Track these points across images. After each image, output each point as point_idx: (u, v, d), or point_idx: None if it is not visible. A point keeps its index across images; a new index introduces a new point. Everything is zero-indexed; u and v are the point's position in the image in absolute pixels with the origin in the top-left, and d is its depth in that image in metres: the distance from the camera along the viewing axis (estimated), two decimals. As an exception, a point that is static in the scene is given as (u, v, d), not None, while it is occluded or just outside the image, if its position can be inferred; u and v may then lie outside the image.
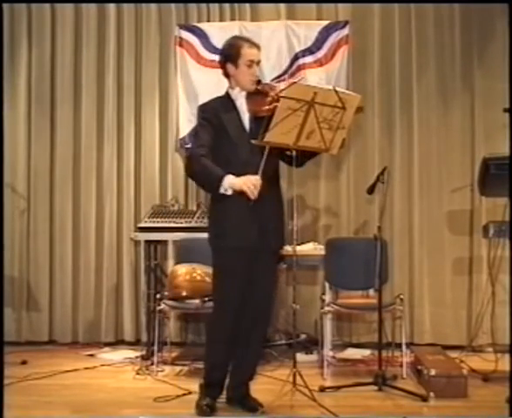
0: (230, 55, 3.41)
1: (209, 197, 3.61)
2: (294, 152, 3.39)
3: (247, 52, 3.37)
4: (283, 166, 5.24)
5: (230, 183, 3.22)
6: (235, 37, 3.59)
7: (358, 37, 5.23)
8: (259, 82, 3.43)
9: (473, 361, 4.35)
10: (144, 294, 5.04)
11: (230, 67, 3.41)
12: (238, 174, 3.27)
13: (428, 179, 5.21)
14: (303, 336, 4.98)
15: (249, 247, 3.35)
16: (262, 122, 3.27)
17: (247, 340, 3.48)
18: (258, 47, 3.45)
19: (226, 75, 3.46)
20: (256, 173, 3.20)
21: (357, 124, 5.05)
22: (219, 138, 3.34)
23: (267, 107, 3.31)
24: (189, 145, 5.20)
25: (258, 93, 3.40)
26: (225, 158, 3.36)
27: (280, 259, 3.98)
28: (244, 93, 3.42)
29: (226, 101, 3.44)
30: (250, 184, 3.17)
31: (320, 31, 5.19)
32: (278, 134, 3.21)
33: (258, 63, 3.43)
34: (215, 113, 3.38)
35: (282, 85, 3.43)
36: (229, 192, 3.23)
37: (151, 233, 4.79)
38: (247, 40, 3.48)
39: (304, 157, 3.47)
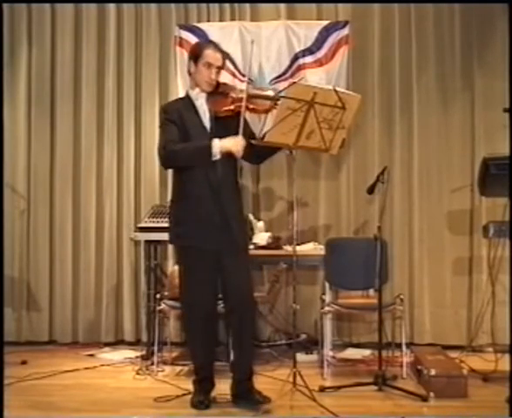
0: (193, 54, 3.53)
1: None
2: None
3: (208, 54, 3.46)
4: (283, 166, 5.28)
5: (219, 147, 3.33)
6: (207, 41, 3.74)
7: (358, 37, 5.22)
8: (218, 84, 3.50)
9: (473, 361, 4.34)
10: (144, 294, 5.04)
11: (191, 66, 3.51)
12: (200, 174, 3.39)
13: (428, 179, 5.21)
14: (303, 336, 4.98)
15: (213, 249, 3.40)
16: (223, 122, 3.38)
17: (238, 339, 3.55)
18: (223, 54, 3.53)
19: (189, 73, 3.56)
20: (216, 172, 3.37)
21: (357, 124, 5.05)
22: (182, 138, 3.41)
23: (228, 107, 3.38)
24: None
25: (218, 94, 3.48)
26: None
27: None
28: (204, 94, 3.49)
29: (187, 102, 3.54)
30: (237, 144, 3.30)
31: (320, 31, 5.18)
32: (278, 134, 3.22)
33: (218, 67, 3.48)
34: (178, 114, 3.46)
35: (243, 86, 3.50)
36: (218, 157, 3.33)
37: (151, 233, 4.79)
38: (214, 44, 3.58)
39: (264, 153, 3.53)
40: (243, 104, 3.33)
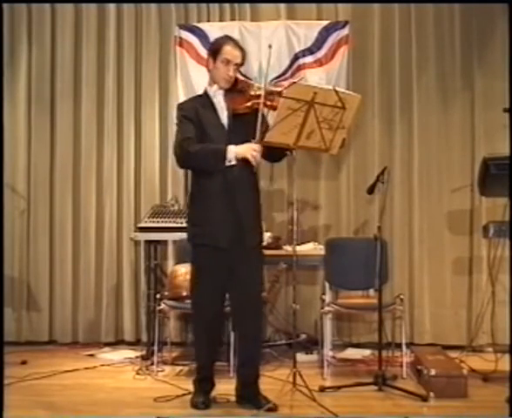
0: (212, 50, 3.51)
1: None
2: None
3: (227, 50, 3.44)
4: (283, 166, 5.28)
5: (235, 152, 3.30)
6: (224, 36, 3.64)
7: (358, 37, 5.22)
8: (236, 81, 3.48)
9: (473, 361, 4.34)
10: (144, 294, 5.04)
11: (210, 62, 3.50)
12: (216, 178, 3.37)
13: (428, 179, 5.21)
14: (303, 336, 4.98)
15: (226, 247, 3.38)
16: (241, 119, 3.36)
17: (245, 341, 3.54)
18: (242, 50, 3.50)
19: (207, 70, 3.55)
20: (233, 171, 3.33)
21: (357, 124, 5.05)
22: (198, 135, 3.40)
23: (246, 104, 3.36)
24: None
25: (236, 91, 3.46)
26: None
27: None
28: (221, 91, 3.47)
29: (204, 99, 3.51)
30: (252, 151, 3.27)
31: (320, 31, 5.18)
32: (278, 134, 3.22)
33: (236, 64, 3.47)
34: (194, 111, 3.44)
35: (257, 83, 3.50)
36: (233, 162, 3.31)
37: (151, 233, 4.79)
38: (233, 41, 3.54)
39: (279, 152, 3.50)
40: (261, 100, 3.31)
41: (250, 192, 3.49)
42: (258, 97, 3.35)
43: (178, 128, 3.50)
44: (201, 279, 3.49)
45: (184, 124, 3.44)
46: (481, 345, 4.90)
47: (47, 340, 5.40)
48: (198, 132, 3.40)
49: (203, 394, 3.53)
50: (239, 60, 3.47)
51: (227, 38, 3.56)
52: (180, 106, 3.56)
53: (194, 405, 3.49)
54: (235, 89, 3.48)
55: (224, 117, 3.46)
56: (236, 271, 3.44)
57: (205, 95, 3.53)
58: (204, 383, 3.56)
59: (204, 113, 3.44)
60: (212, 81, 3.51)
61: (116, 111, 5.46)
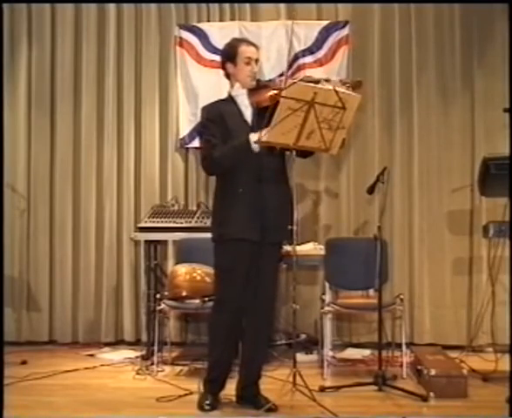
0: (228, 54, 3.52)
1: (209, 197, 3.61)
2: (294, 152, 3.43)
3: (244, 50, 3.48)
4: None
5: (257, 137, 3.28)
6: (233, 39, 3.70)
7: (358, 37, 5.23)
8: (258, 81, 3.51)
9: (473, 361, 4.34)
10: (144, 294, 5.04)
11: (229, 66, 3.51)
12: (241, 171, 3.37)
13: (428, 179, 5.22)
14: (303, 336, 4.98)
15: (250, 241, 3.37)
16: (264, 115, 3.29)
17: (253, 340, 3.52)
18: (255, 46, 3.55)
19: (227, 75, 3.56)
20: (258, 171, 3.36)
21: (357, 124, 5.05)
22: (223, 136, 3.40)
23: (269, 95, 3.35)
24: (194, 144, 5.24)
25: (259, 88, 3.47)
26: None
27: (280, 258, 3.93)
28: (244, 90, 3.49)
29: (228, 101, 3.52)
30: None
31: (320, 31, 5.20)
32: (278, 134, 3.21)
33: (256, 61, 3.51)
34: (218, 113, 3.45)
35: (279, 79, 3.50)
36: (257, 150, 3.29)
37: (151, 233, 4.79)
38: (245, 40, 3.64)
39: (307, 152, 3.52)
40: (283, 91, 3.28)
41: (279, 186, 3.47)
42: (280, 89, 3.29)
43: (202, 133, 3.54)
44: (226, 275, 3.43)
45: (208, 129, 3.45)
46: (481, 345, 4.90)
47: (47, 340, 5.40)
48: (222, 131, 3.40)
49: (211, 396, 3.49)
50: (257, 55, 3.52)
51: (237, 40, 3.63)
52: (205, 109, 3.54)
53: (200, 406, 3.46)
54: (257, 87, 3.48)
55: (248, 114, 3.46)
56: (256, 269, 3.42)
57: (229, 97, 3.53)
58: (213, 384, 3.52)
59: (228, 112, 3.44)
60: (237, 82, 3.50)
61: (116, 111, 5.46)
